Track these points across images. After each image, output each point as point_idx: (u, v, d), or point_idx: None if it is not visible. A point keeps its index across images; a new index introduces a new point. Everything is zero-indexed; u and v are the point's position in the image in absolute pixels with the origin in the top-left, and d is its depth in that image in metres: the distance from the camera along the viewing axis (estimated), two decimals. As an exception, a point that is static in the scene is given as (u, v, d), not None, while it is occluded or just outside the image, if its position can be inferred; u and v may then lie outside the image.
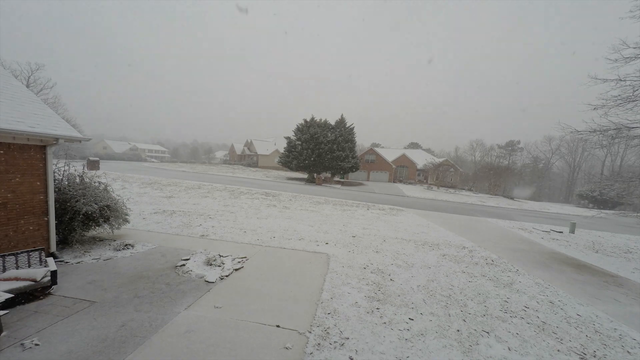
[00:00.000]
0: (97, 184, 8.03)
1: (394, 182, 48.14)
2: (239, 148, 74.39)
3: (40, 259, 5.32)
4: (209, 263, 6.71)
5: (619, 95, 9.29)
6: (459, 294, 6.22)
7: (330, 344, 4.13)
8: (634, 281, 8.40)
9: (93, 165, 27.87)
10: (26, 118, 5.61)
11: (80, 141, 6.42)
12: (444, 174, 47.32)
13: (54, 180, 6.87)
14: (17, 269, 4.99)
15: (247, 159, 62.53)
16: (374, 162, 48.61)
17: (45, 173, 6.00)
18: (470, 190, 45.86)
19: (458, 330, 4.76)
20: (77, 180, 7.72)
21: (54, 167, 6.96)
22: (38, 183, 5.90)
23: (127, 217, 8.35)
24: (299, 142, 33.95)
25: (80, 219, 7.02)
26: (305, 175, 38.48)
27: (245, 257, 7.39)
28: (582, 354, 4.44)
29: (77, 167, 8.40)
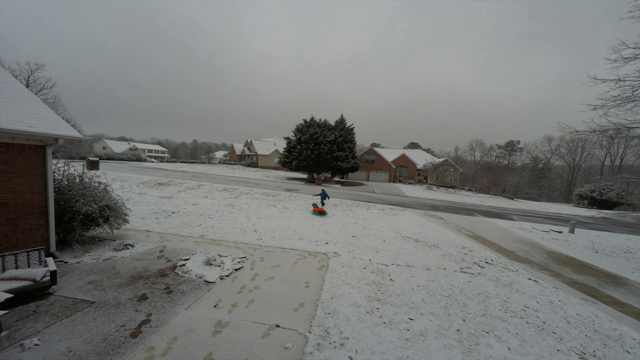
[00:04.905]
0: (96, 184, 8.03)
1: (393, 182, 48.12)
2: (238, 148, 74.40)
3: (40, 259, 5.31)
4: (208, 263, 6.71)
5: (619, 95, 9.30)
6: (458, 294, 6.22)
7: (330, 343, 4.13)
8: (633, 281, 8.41)
9: (93, 165, 27.79)
10: (25, 118, 5.61)
11: (80, 141, 6.43)
12: (443, 174, 47.32)
13: (54, 180, 6.87)
14: (16, 268, 4.98)
15: (247, 159, 62.49)
16: (373, 162, 48.59)
17: (44, 173, 6.00)
18: (470, 190, 45.89)
19: (458, 330, 4.77)
20: (77, 180, 7.71)
21: (53, 167, 6.96)
22: (37, 183, 5.90)
23: (126, 217, 8.34)
24: (299, 144, 33.93)
25: (80, 219, 7.01)
26: (305, 175, 38.47)
27: (245, 257, 7.39)
28: (581, 353, 4.44)
29: (76, 167, 8.39)
